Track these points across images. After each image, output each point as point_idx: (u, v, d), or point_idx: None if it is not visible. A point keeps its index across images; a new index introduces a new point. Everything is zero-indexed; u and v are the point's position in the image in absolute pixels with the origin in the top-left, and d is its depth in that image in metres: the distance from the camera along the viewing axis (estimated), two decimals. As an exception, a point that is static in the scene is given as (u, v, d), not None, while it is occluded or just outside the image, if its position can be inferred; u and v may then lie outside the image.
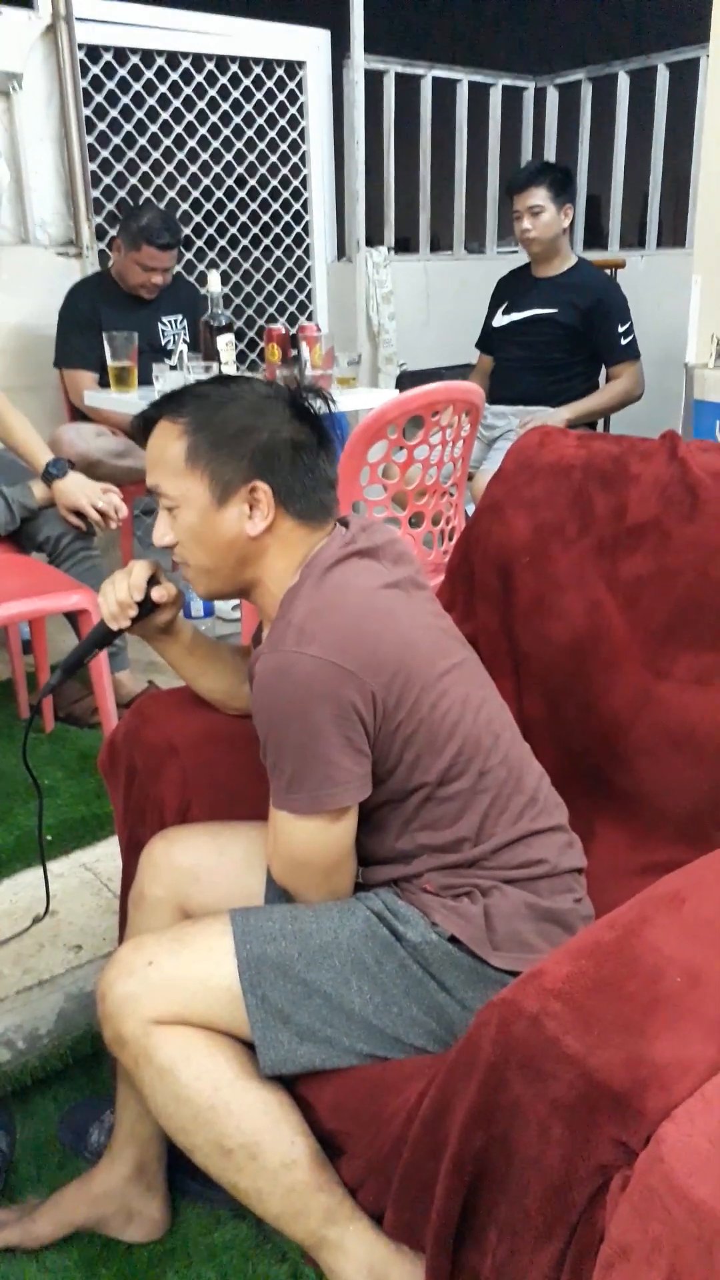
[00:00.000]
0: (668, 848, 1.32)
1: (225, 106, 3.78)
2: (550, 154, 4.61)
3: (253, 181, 3.96)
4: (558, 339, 3.17)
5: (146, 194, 3.66)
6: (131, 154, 3.60)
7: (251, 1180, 1.05)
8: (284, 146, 4.00)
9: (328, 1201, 1.06)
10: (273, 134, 3.95)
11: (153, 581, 1.25)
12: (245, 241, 4.02)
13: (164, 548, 1.17)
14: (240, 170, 3.90)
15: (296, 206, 4.12)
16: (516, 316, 3.25)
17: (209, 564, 1.15)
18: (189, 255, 3.82)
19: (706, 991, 0.88)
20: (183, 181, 3.76)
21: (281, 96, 3.94)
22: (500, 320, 3.30)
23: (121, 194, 3.62)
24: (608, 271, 3.36)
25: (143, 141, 3.61)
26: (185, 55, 3.63)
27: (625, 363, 3.15)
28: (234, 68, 3.77)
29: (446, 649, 1.16)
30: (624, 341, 3.13)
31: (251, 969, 1.06)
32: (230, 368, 2.66)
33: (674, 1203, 0.75)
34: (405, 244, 4.51)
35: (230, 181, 3.89)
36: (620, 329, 3.11)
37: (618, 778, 1.41)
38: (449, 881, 1.13)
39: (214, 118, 3.76)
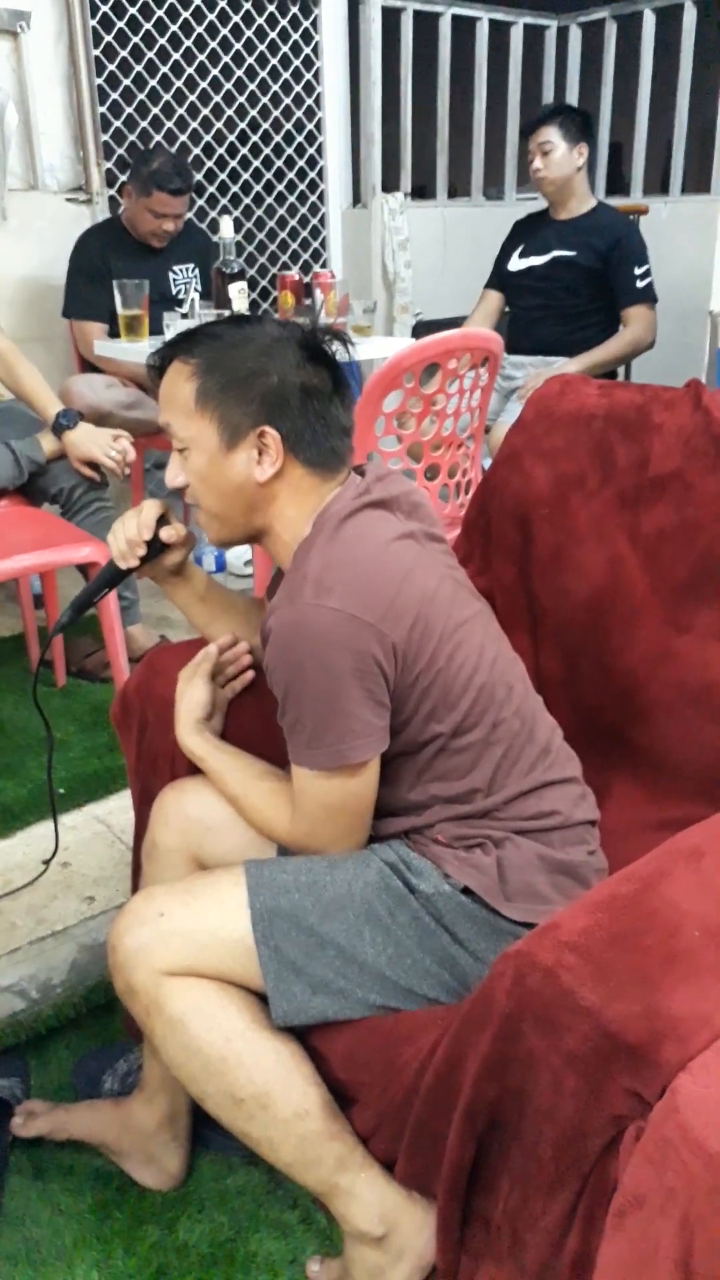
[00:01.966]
0: (684, 804, 1.31)
1: (238, 46, 3.68)
2: (572, 96, 4.47)
3: (266, 125, 3.86)
4: (577, 283, 3.10)
5: (157, 138, 3.58)
6: (142, 96, 3.51)
7: (263, 1129, 1.06)
8: (298, 88, 3.90)
9: (339, 1150, 1.07)
10: (286, 75, 3.85)
11: (163, 521, 1.23)
12: (258, 187, 3.93)
13: (175, 490, 1.14)
14: (253, 113, 3.81)
15: (311, 151, 4.02)
16: (535, 261, 3.17)
17: (218, 509, 1.13)
18: (200, 201, 3.74)
19: (725, 946, 0.87)
20: (194, 125, 3.68)
21: (296, 36, 3.83)
22: (516, 264, 3.21)
23: (132, 138, 3.54)
24: (630, 217, 3.27)
25: (153, 83, 3.52)
26: (197, -8, 3.53)
27: (639, 305, 3.05)
28: (247, 5, 3.66)
29: (462, 600, 1.15)
30: (640, 284, 3.04)
31: (265, 921, 1.06)
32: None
33: (689, 1153, 0.75)
34: (422, 190, 4.41)
35: (243, 125, 3.80)
36: (637, 271, 3.03)
37: (634, 734, 1.39)
38: (461, 832, 1.13)
39: (226, 58, 3.66)
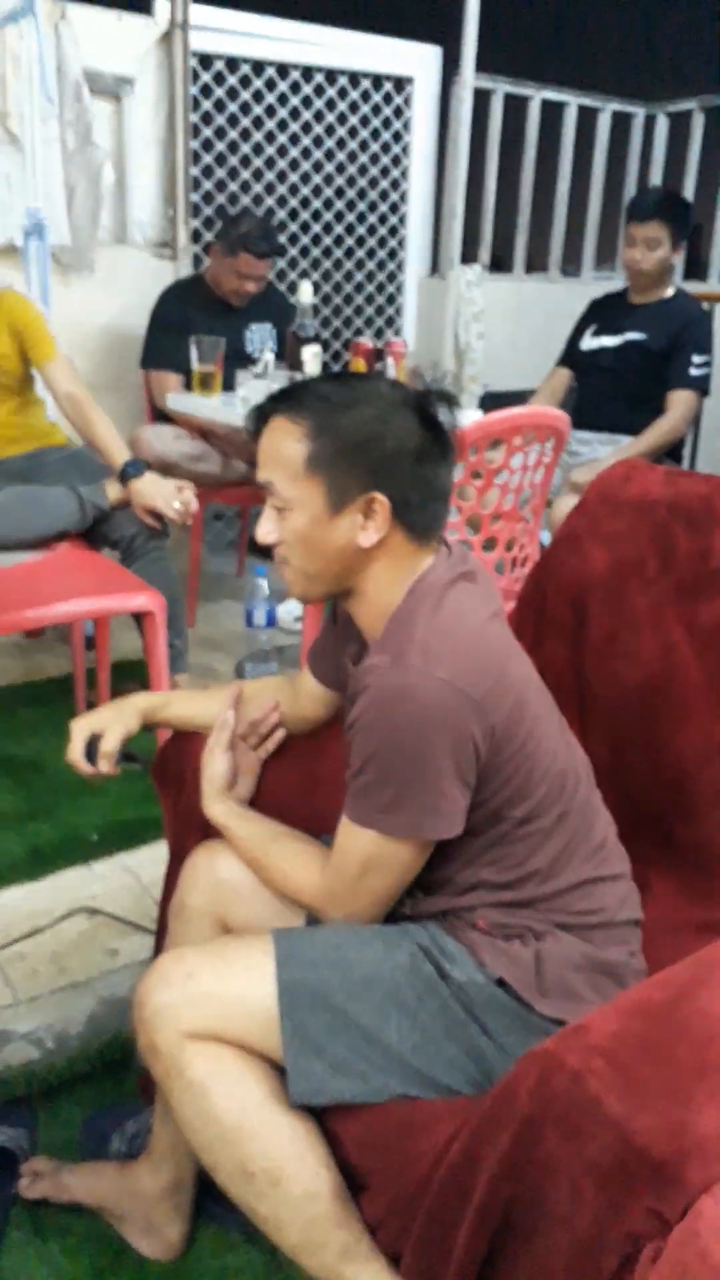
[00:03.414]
0: (727, 906, 1.27)
1: (330, 118, 3.81)
2: (657, 182, 4.55)
3: (351, 193, 3.98)
4: (647, 366, 3.10)
5: (245, 200, 3.70)
6: (234, 160, 3.64)
7: (272, 1207, 1.03)
8: (385, 160, 4.02)
9: (346, 1238, 1.04)
10: (375, 147, 3.97)
11: (95, 740, 1.30)
12: (339, 253, 4.04)
13: (265, 545, 1.13)
14: (340, 181, 3.93)
15: (393, 220, 4.13)
16: (607, 341, 3.18)
17: (312, 569, 1.11)
18: (281, 263, 3.85)
19: (760, 1066, 0.83)
20: (281, 190, 3.80)
21: (387, 111, 3.95)
22: (589, 343, 3.23)
23: (220, 199, 3.66)
24: (704, 305, 3.28)
25: (245, 149, 3.65)
26: (295, 66, 3.67)
27: (684, 390, 3.02)
28: (342, 80, 3.79)
29: (543, 688, 1.15)
30: (693, 371, 3.02)
31: (290, 994, 1.04)
32: (314, 379, 2.65)
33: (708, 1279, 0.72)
34: (500, 263, 4.48)
35: (329, 192, 3.92)
36: (696, 359, 3.02)
37: (680, 829, 1.36)
38: (503, 920, 1.11)
39: (318, 129, 3.79)
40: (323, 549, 1.09)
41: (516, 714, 1.05)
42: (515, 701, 1.05)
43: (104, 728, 1.30)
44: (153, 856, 1.92)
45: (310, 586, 1.14)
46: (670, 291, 3.15)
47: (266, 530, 1.11)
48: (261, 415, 1.11)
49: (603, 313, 3.25)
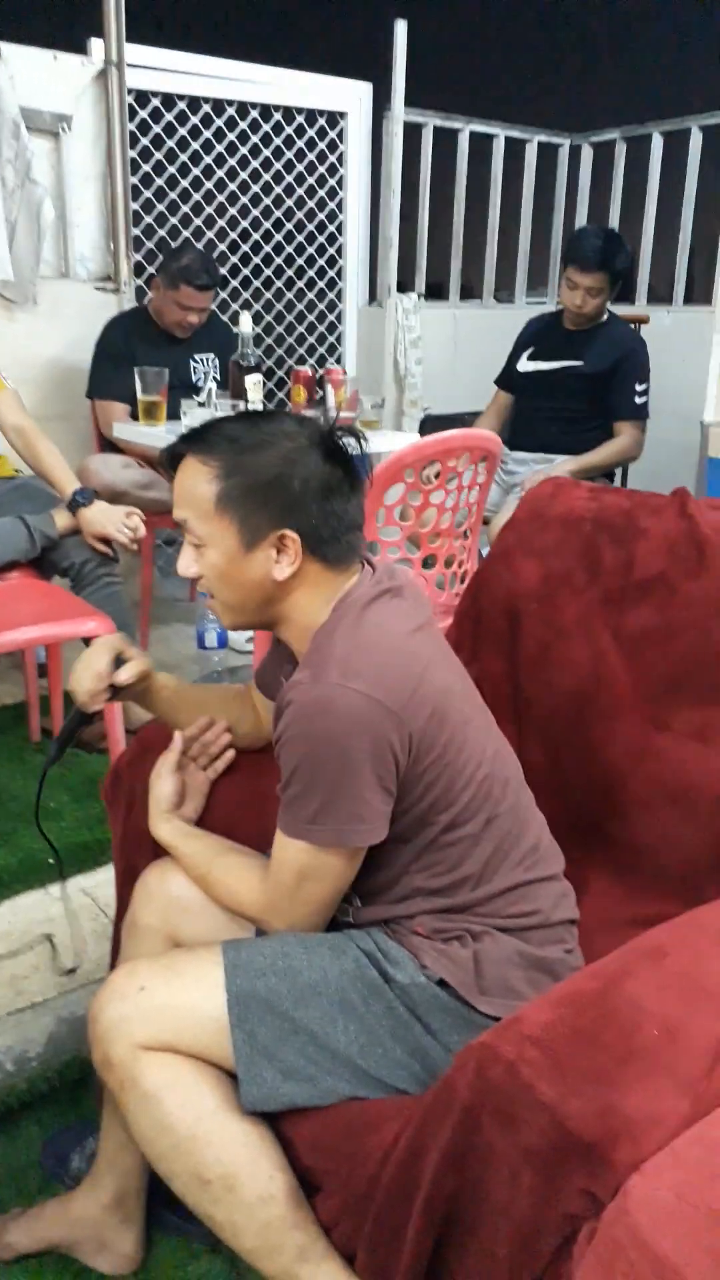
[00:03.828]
0: (660, 902, 1.32)
1: (266, 153, 3.89)
2: (583, 209, 4.69)
3: (289, 225, 4.05)
4: (581, 391, 3.20)
5: (185, 234, 3.76)
6: (173, 195, 3.70)
7: (228, 1213, 1.06)
8: (321, 193, 4.10)
9: (302, 1239, 1.06)
10: (311, 180, 4.05)
11: (119, 661, 1.28)
12: (279, 284, 4.10)
13: (187, 578, 1.18)
14: (278, 214, 4.00)
15: (331, 251, 4.21)
16: (543, 366, 3.27)
17: (234, 601, 1.16)
18: (223, 295, 3.90)
19: (682, 1046, 0.88)
20: (221, 223, 3.86)
21: (322, 145, 4.04)
22: (525, 365, 3.32)
23: (161, 233, 3.72)
24: (632, 327, 3.39)
25: (184, 183, 3.71)
26: (230, 103, 3.74)
27: (631, 421, 3.16)
28: (277, 116, 3.88)
29: (470, 695, 1.18)
30: (637, 400, 3.15)
31: (240, 1004, 1.07)
32: (256, 407, 2.71)
33: (638, 1256, 0.75)
34: (436, 290, 4.58)
35: (267, 225, 3.99)
36: (637, 387, 3.14)
37: (614, 829, 1.42)
38: (441, 925, 1.14)
39: (255, 163, 3.87)
40: (241, 582, 1.13)
41: (436, 722, 1.08)
42: (434, 710, 1.08)
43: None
44: (109, 878, 1.92)
45: (236, 617, 1.18)
46: (603, 317, 3.25)
47: (185, 565, 1.16)
48: (174, 455, 1.15)
49: (539, 336, 3.33)
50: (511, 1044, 0.90)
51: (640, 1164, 0.80)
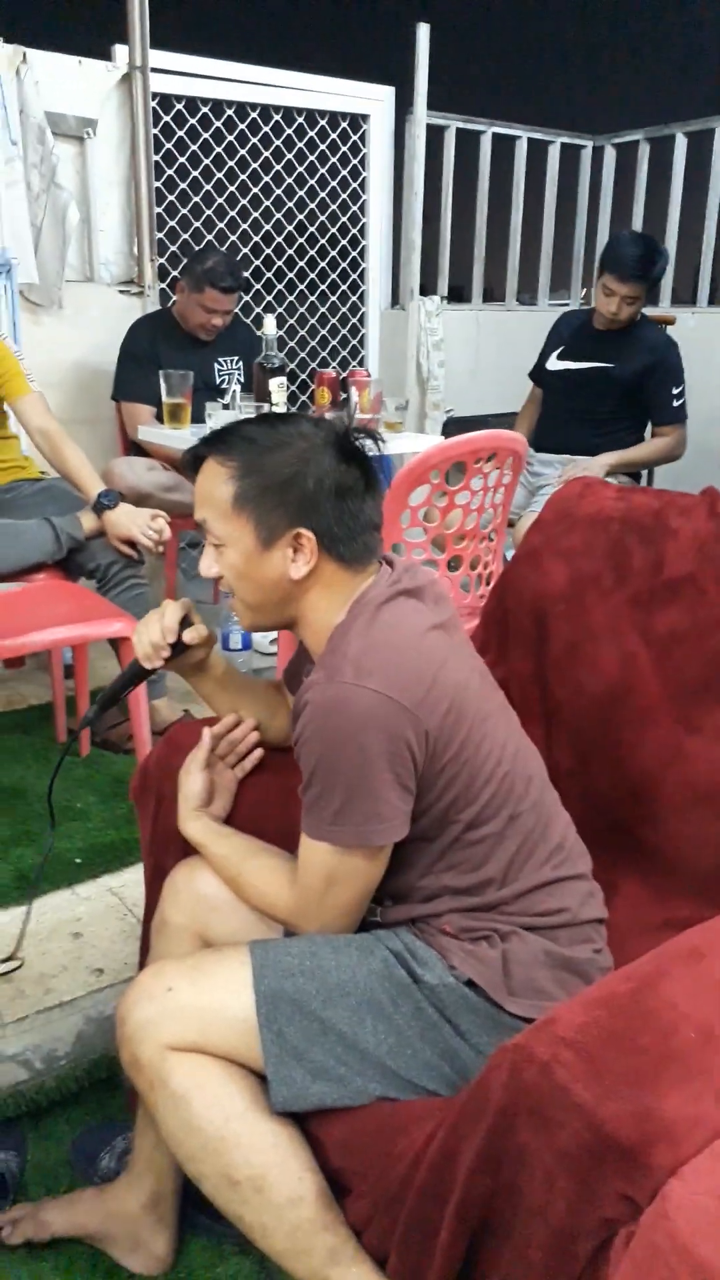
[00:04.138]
0: (691, 904, 1.31)
1: (289, 156, 3.90)
2: (606, 211, 4.67)
3: (312, 229, 4.06)
4: (610, 392, 3.18)
5: (209, 237, 3.78)
6: (196, 199, 3.72)
7: (257, 1214, 1.06)
8: (344, 196, 4.11)
9: (332, 1241, 1.06)
10: (334, 184, 4.06)
11: (185, 623, 1.27)
12: (302, 286, 4.12)
13: (209, 579, 1.20)
14: (300, 217, 4.01)
15: (354, 254, 4.22)
16: (572, 365, 3.25)
17: (253, 600, 1.17)
18: (247, 298, 3.91)
19: (719, 1049, 0.87)
20: (244, 226, 3.88)
21: (344, 148, 4.05)
22: (554, 364, 3.29)
23: (185, 236, 3.74)
24: (661, 327, 3.37)
25: (208, 187, 3.73)
26: (254, 107, 3.76)
27: (673, 425, 3.17)
28: (300, 120, 3.89)
29: (488, 693, 1.18)
30: (675, 404, 3.14)
31: (268, 1004, 1.07)
32: (280, 409, 2.71)
33: (677, 1261, 0.75)
34: (458, 293, 4.58)
35: (290, 228, 4.00)
36: (674, 391, 3.13)
37: (644, 831, 1.41)
38: (468, 924, 1.14)
39: (278, 166, 3.88)
40: (259, 581, 1.15)
41: (453, 719, 1.08)
42: (451, 706, 1.08)
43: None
44: (136, 878, 1.94)
45: (255, 617, 1.19)
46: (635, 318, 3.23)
47: (206, 565, 1.18)
48: (196, 458, 1.17)
49: (569, 335, 3.30)
50: (546, 1045, 0.89)
51: (679, 1168, 0.80)
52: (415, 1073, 1.09)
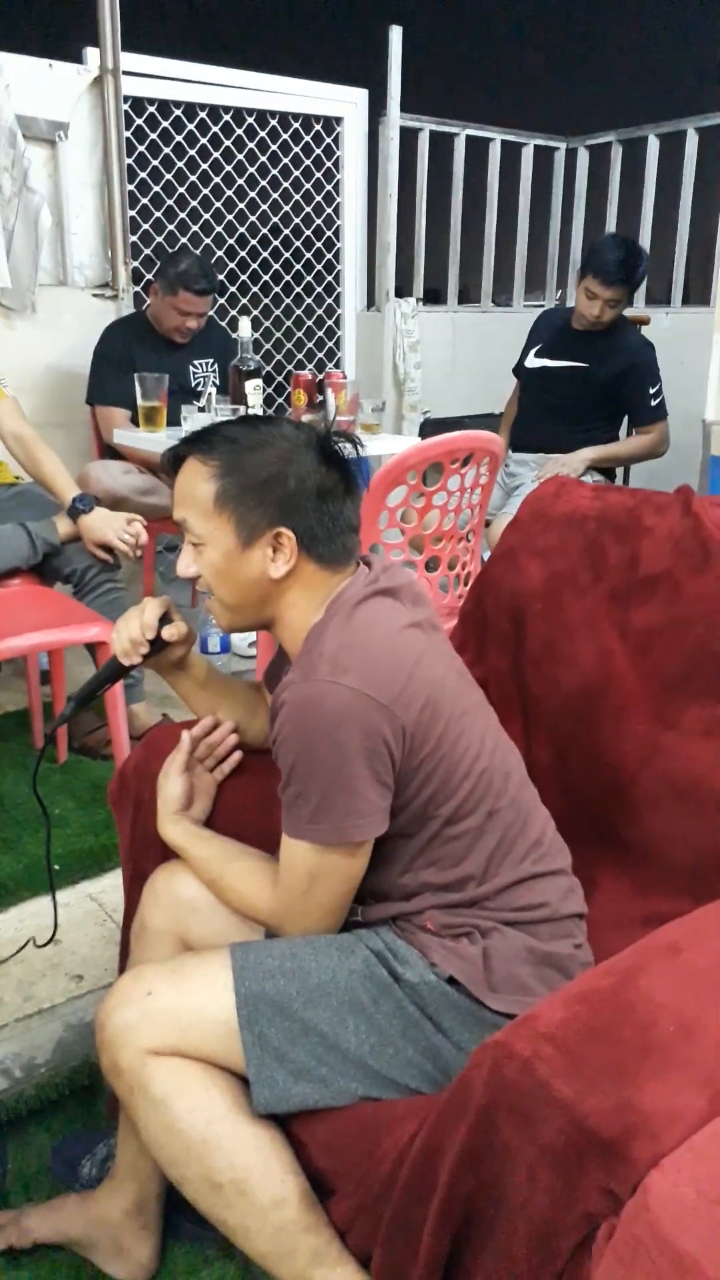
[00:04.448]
0: (670, 899, 1.31)
1: (263, 159, 3.90)
2: (580, 213, 4.70)
3: (287, 231, 4.06)
4: (586, 392, 3.21)
5: (183, 240, 3.77)
6: (170, 201, 3.71)
7: (240, 1217, 1.05)
8: (318, 198, 4.11)
9: (315, 1242, 1.05)
10: (308, 186, 4.06)
11: (165, 620, 1.27)
12: (277, 289, 4.11)
13: (187, 579, 1.19)
14: (275, 220, 4.01)
15: (329, 257, 4.22)
16: (549, 363, 3.27)
17: (231, 600, 1.17)
18: (222, 300, 3.91)
19: (699, 1041, 0.88)
20: (219, 229, 3.87)
21: (318, 151, 4.05)
22: (533, 361, 3.31)
23: (159, 240, 3.73)
24: (638, 328, 3.39)
25: (182, 190, 3.72)
26: (226, 109, 3.75)
27: (654, 422, 3.20)
28: (273, 122, 3.89)
29: (465, 689, 1.19)
30: (654, 403, 3.17)
31: (249, 1005, 1.07)
32: (257, 411, 2.71)
33: (658, 1254, 0.75)
34: (434, 295, 4.60)
35: (265, 231, 4.00)
36: (651, 390, 3.15)
37: (622, 827, 1.41)
38: (449, 921, 1.14)
39: (252, 169, 3.88)
40: (238, 580, 1.15)
41: (429, 715, 1.09)
42: (427, 702, 1.09)
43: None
44: (115, 883, 1.93)
45: (233, 617, 1.19)
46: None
47: (185, 565, 1.18)
48: (176, 457, 1.17)
49: (548, 333, 3.32)
50: (527, 1042, 0.89)
51: (659, 1160, 0.80)
52: (397, 1071, 1.09)
